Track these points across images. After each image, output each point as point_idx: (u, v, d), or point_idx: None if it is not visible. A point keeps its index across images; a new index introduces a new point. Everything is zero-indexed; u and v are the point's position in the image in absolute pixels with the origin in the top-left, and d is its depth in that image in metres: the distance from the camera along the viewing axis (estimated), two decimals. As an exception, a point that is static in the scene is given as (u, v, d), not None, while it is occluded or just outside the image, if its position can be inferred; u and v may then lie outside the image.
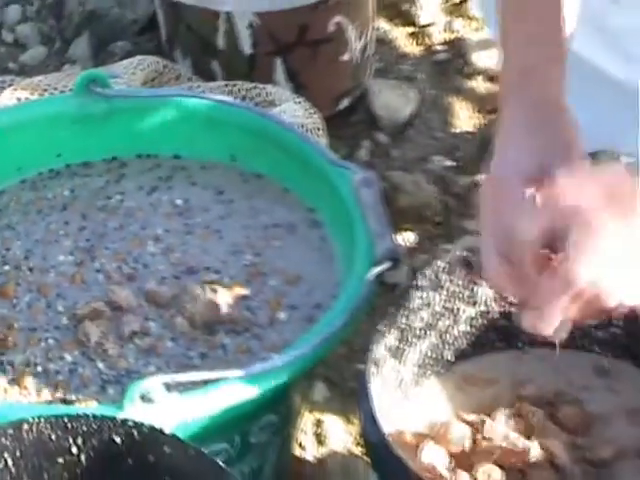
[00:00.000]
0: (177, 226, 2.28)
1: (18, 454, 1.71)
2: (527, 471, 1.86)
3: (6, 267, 2.21)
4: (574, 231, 1.52)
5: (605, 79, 2.27)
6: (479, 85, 2.86)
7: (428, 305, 1.99)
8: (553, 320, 1.54)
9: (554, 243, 1.56)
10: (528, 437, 1.89)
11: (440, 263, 1.96)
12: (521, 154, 1.65)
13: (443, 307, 2.03)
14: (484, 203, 1.66)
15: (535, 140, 1.66)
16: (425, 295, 1.94)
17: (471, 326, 2.05)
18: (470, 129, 2.76)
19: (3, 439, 1.67)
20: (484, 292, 2.04)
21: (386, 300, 1.95)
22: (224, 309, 1.96)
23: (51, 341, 2.09)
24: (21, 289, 2.19)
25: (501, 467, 1.85)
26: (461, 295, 2.03)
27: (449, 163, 2.71)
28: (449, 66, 2.90)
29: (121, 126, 2.31)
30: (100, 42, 2.86)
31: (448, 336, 2.04)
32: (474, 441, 1.89)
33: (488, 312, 2.05)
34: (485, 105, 2.81)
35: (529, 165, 1.65)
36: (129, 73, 2.43)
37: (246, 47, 2.78)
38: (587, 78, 2.28)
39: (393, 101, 2.76)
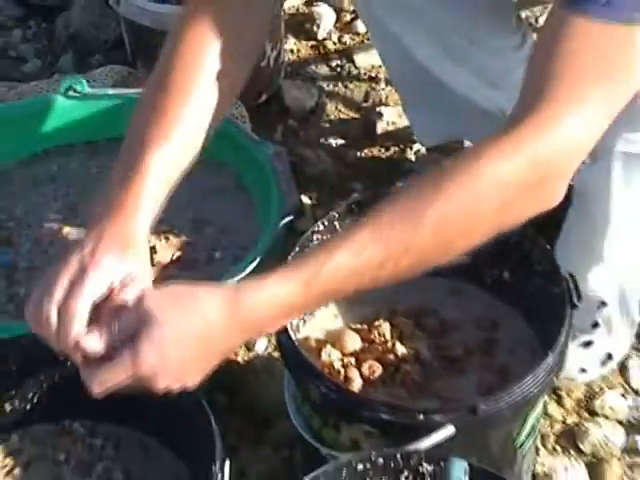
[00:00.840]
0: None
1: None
2: (400, 365, 1.86)
3: (10, 223, 2.24)
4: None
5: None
6: (363, 83, 2.84)
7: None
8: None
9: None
10: (400, 340, 1.90)
11: (334, 213, 1.93)
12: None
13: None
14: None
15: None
16: (322, 237, 1.91)
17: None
18: (357, 116, 2.74)
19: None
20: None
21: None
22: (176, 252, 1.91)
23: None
24: (22, 240, 2.21)
25: (380, 363, 1.85)
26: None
27: (341, 141, 2.70)
28: (341, 69, 2.88)
29: (94, 117, 2.30)
30: (81, 56, 2.88)
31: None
32: (361, 344, 1.88)
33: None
34: (368, 98, 2.82)
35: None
36: (102, 78, 2.47)
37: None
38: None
39: (300, 96, 2.76)
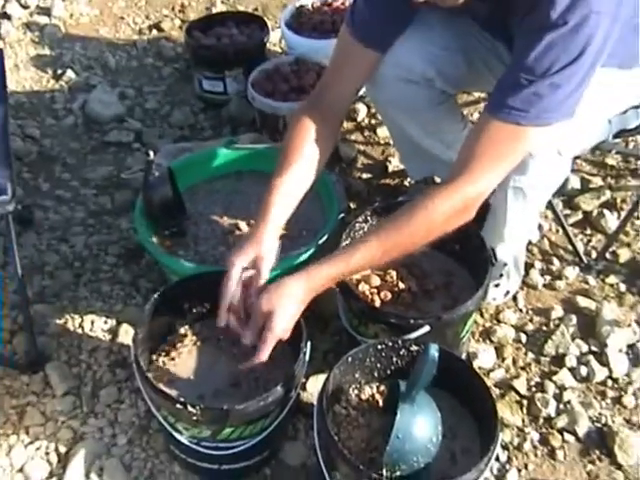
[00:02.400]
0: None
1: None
2: (400, 294, 1.90)
3: (195, 216, 2.15)
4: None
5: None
6: (381, 145, 2.78)
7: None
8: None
9: None
10: (400, 280, 1.92)
11: (367, 212, 1.96)
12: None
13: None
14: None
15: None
16: (361, 226, 1.94)
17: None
18: (377, 162, 2.70)
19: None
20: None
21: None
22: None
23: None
24: (202, 225, 2.12)
25: (390, 292, 1.89)
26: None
27: (369, 175, 2.64)
28: (369, 137, 2.81)
29: (241, 158, 2.27)
30: (234, 128, 2.82)
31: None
32: (380, 282, 1.90)
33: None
34: (383, 153, 2.74)
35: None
36: (246, 139, 2.41)
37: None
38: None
39: (347, 150, 2.68)
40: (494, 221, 1.93)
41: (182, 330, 1.80)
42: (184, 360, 1.75)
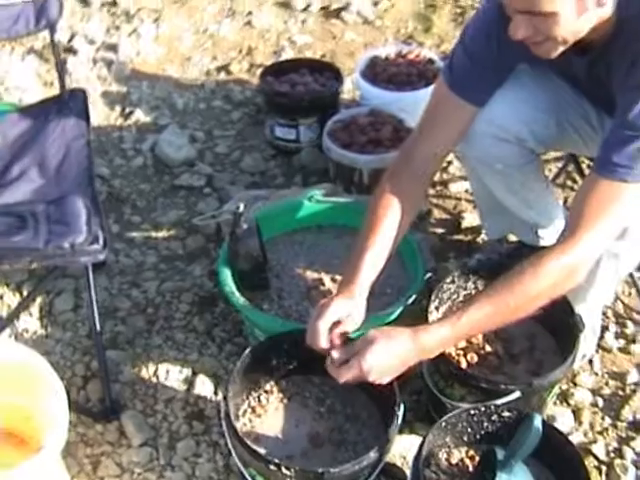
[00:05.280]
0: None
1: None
2: (486, 357, 1.95)
3: (277, 267, 2.19)
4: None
5: None
6: (453, 200, 2.82)
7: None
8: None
9: None
10: (487, 342, 1.96)
11: (455, 274, 2.01)
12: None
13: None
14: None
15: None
16: (449, 287, 2.00)
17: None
18: (450, 217, 2.74)
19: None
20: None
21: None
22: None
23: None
24: (284, 278, 2.17)
25: (476, 354, 1.94)
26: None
27: (443, 230, 2.68)
28: (441, 192, 2.86)
29: (322, 212, 2.32)
30: (305, 177, 2.88)
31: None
32: (466, 344, 1.94)
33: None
34: (456, 208, 2.77)
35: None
36: (321, 191, 2.36)
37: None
38: None
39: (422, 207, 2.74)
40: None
41: (268, 386, 1.86)
42: (270, 417, 1.80)
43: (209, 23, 3.82)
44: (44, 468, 1.54)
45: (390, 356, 1.58)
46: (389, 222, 1.77)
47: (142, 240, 2.65)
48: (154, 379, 2.15)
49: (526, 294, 1.59)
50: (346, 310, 1.67)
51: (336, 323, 1.66)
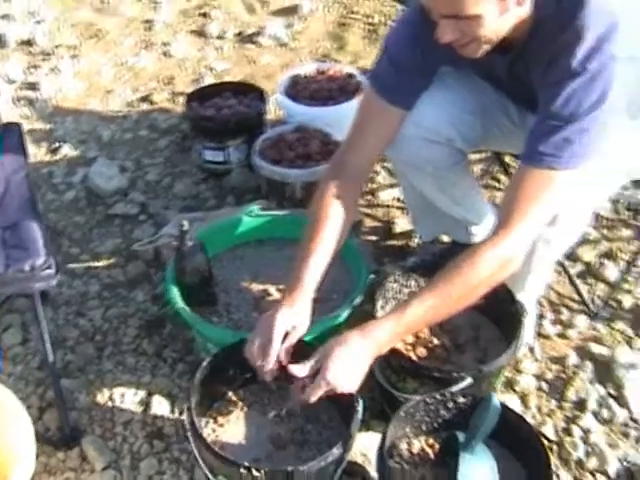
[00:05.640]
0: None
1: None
2: (434, 349, 1.98)
3: (222, 283, 2.20)
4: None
5: None
6: (384, 207, 2.87)
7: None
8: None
9: None
10: (434, 336, 2.00)
11: (397, 274, 2.06)
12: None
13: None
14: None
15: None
16: (392, 286, 2.04)
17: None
18: (382, 225, 2.79)
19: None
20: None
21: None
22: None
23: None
24: (231, 292, 2.18)
25: (424, 348, 1.97)
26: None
27: (376, 237, 2.72)
28: (370, 201, 2.90)
29: (262, 226, 2.34)
30: (237, 197, 2.89)
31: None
32: (414, 339, 1.97)
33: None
34: (386, 215, 2.83)
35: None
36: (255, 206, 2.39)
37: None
38: None
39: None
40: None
41: (227, 396, 1.87)
42: (232, 426, 1.81)
43: (127, 56, 3.86)
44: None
45: (351, 359, 1.60)
46: (329, 227, 1.79)
47: (83, 270, 2.64)
48: (110, 403, 2.15)
49: (466, 284, 1.64)
50: (290, 322, 1.70)
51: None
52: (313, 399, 1.60)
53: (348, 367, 1.60)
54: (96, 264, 2.67)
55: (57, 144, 3.26)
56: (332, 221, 1.81)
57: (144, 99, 3.56)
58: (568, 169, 1.61)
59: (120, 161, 3.16)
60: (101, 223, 2.87)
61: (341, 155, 1.91)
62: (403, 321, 1.63)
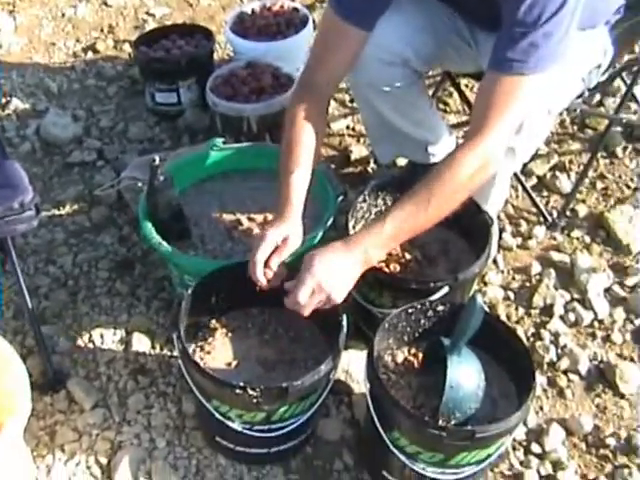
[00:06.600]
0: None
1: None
2: (407, 263, 1.99)
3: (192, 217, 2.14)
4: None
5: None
6: (339, 137, 2.86)
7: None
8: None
9: None
10: (406, 251, 2.01)
11: (364, 194, 2.05)
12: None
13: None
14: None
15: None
16: (361, 206, 2.03)
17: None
18: (338, 153, 2.78)
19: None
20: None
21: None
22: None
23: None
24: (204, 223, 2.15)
25: (397, 263, 1.98)
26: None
27: (333, 166, 2.72)
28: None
29: (227, 158, 2.28)
30: (192, 136, 2.88)
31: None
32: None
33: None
34: (341, 143, 2.81)
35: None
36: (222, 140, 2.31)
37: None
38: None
39: None
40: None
41: (211, 324, 1.85)
42: (219, 352, 1.80)
43: (65, 8, 3.73)
44: (7, 446, 1.47)
45: (336, 259, 1.59)
46: (305, 144, 1.79)
47: (47, 219, 2.56)
48: (90, 345, 2.12)
49: (445, 190, 1.62)
50: (282, 234, 1.68)
51: (275, 250, 1.67)
52: (302, 297, 1.56)
53: (333, 267, 1.58)
54: (60, 212, 2.60)
55: (5, 99, 3.15)
56: (307, 137, 1.80)
57: (88, 49, 3.45)
58: (536, 73, 1.61)
59: (71, 110, 3.06)
60: (60, 172, 2.80)
61: (307, 76, 1.89)
62: (385, 228, 1.61)
